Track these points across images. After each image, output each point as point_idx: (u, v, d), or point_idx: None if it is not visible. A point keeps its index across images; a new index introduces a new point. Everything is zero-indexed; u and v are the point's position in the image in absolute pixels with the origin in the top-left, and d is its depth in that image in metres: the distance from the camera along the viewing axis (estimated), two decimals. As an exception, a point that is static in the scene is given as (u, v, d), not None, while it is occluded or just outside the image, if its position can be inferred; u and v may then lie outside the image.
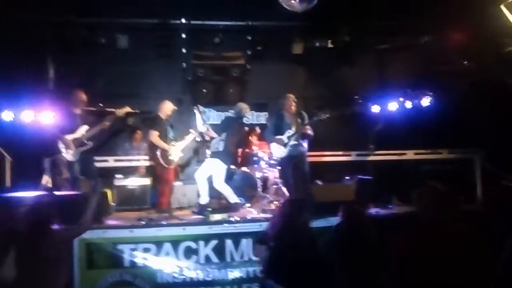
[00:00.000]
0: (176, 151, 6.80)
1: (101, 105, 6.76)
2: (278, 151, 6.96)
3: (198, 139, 7.10)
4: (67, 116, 6.60)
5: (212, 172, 6.78)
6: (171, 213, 6.57)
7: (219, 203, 7.18)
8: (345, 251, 4.12)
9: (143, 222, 5.90)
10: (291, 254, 3.92)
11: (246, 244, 5.68)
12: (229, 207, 6.67)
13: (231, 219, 6.00)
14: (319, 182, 7.38)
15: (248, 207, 7.03)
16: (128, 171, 7.95)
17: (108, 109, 6.72)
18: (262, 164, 7.52)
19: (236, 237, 5.69)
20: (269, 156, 7.43)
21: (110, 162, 7.90)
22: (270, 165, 7.47)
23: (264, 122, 9.01)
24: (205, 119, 7.10)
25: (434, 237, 3.05)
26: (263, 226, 5.73)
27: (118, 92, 8.14)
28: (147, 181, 7.64)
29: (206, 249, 5.60)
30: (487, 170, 7.25)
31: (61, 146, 6.48)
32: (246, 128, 7.92)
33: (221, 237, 5.67)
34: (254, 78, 8.74)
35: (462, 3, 7.06)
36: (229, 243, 5.66)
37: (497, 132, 7.49)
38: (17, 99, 7.12)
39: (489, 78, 7.46)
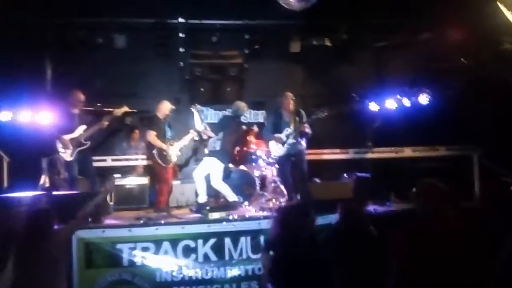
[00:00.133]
0: (174, 150, 6.81)
1: (99, 104, 6.76)
2: (277, 149, 6.97)
3: (196, 138, 7.11)
4: (65, 116, 6.60)
5: (209, 171, 6.79)
6: (170, 212, 6.57)
7: (217, 201, 7.18)
8: (344, 249, 4.12)
9: (142, 221, 5.89)
10: (291, 259, 3.92)
11: (245, 242, 5.68)
12: (227, 206, 6.67)
13: (230, 217, 6.00)
14: (317, 180, 7.38)
15: (247, 205, 7.02)
16: (126, 171, 7.94)
17: (106, 109, 6.73)
18: (260, 162, 7.52)
19: (235, 236, 5.68)
20: (267, 154, 7.43)
21: (108, 161, 7.90)
22: (268, 164, 7.47)
23: (262, 121, 9.03)
24: (203, 118, 7.11)
25: (433, 234, 3.04)
26: (262, 224, 5.77)
27: (116, 92, 8.13)
28: (145, 180, 7.63)
29: (204, 248, 5.59)
30: (485, 167, 7.26)
31: (59, 146, 6.48)
32: (244, 127, 7.92)
33: (220, 235, 5.66)
34: (252, 76, 8.74)
35: (460, 0, 7.07)
36: (227, 241, 5.65)
37: (496, 129, 7.49)
38: (15, 99, 7.10)
39: (487, 75, 7.45)
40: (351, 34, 8.32)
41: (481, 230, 3.16)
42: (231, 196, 6.78)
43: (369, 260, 3.91)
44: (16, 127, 7.22)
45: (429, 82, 8.11)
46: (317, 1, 5.87)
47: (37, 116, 7.16)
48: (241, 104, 7.09)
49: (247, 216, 6.20)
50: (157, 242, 5.50)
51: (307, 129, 6.78)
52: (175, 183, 7.49)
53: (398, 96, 8.40)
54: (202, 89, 8.55)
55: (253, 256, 5.66)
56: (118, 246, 5.42)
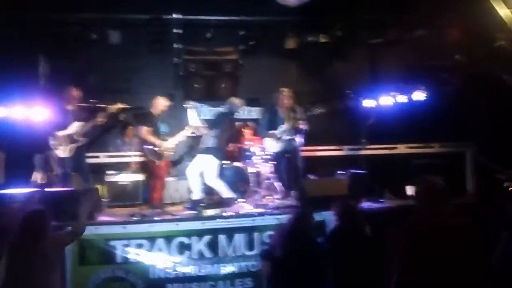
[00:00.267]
0: (167, 146, 6.76)
1: (93, 101, 6.72)
2: (272, 146, 6.97)
3: (192, 133, 7.07)
4: (60, 113, 6.56)
5: (203, 168, 6.76)
6: (163, 209, 6.55)
7: (211, 198, 7.16)
8: (341, 247, 4.14)
9: (136, 218, 5.87)
10: (294, 265, 3.94)
11: (239, 239, 5.70)
12: (222, 202, 6.65)
13: (224, 214, 6.00)
14: (312, 177, 7.38)
15: (241, 202, 7.01)
16: (120, 167, 7.91)
17: (101, 105, 6.69)
18: (255, 159, 7.51)
19: (229, 232, 5.70)
20: (262, 151, 7.42)
21: (102, 158, 7.87)
22: (263, 160, 7.46)
23: (257, 117, 9.01)
24: (197, 115, 7.08)
25: (434, 231, 3.05)
26: (257, 221, 5.78)
27: (110, 88, 8.09)
28: (139, 177, 7.59)
29: (199, 245, 5.60)
30: (480, 164, 7.29)
31: (53, 142, 6.44)
32: (238, 123, 7.91)
33: (214, 232, 5.67)
34: (247, 73, 8.71)
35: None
36: (222, 238, 5.66)
37: (490, 126, 7.52)
38: (9, 95, 7.05)
39: (481, 72, 7.47)
40: (346, 31, 8.29)
41: (478, 226, 3.17)
42: (226, 193, 6.76)
43: (365, 257, 3.93)
44: (10, 123, 7.16)
45: (424, 79, 8.14)
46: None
47: (31, 112, 7.11)
48: (236, 101, 7.06)
49: (241, 213, 6.19)
50: (151, 239, 5.50)
51: (303, 126, 6.77)
52: (169, 179, 7.46)
53: (393, 93, 8.42)
54: (196, 86, 8.51)
55: (248, 253, 5.69)
56: (112, 243, 5.42)
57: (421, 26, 8.21)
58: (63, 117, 6.55)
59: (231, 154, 7.87)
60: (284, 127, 6.86)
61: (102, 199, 6.84)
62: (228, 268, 5.63)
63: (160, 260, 5.47)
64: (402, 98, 8.39)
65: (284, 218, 5.48)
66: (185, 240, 5.58)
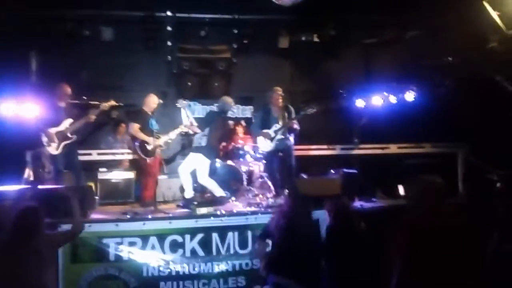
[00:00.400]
0: (158, 144, 6.73)
1: (85, 98, 6.67)
2: (265, 144, 6.98)
3: (184, 131, 7.05)
4: (51, 109, 6.50)
5: (195, 167, 6.74)
6: (155, 207, 6.51)
7: (203, 196, 7.15)
8: (336, 245, 4.17)
9: (129, 216, 5.85)
10: (295, 246, 3.97)
11: (232, 237, 5.69)
12: (214, 201, 6.64)
13: (217, 212, 5.99)
14: (304, 176, 7.39)
15: (234, 200, 7.01)
16: (112, 165, 7.87)
17: (93, 102, 6.64)
18: (248, 157, 7.51)
19: (222, 231, 5.69)
20: (255, 149, 7.43)
21: (94, 155, 7.83)
22: (256, 159, 7.47)
23: (249, 116, 9.01)
24: (190, 113, 7.07)
25: (433, 230, 3.08)
26: (249, 219, 5.78)
27: (102, 85, 8.05)
28: (131, 174, 7.56)
29: (192, 243, 5.58)
30: (472, 164, 7.35)
31: (45, 139, 6.39)
32: (231, 122, 7.90)
33: (207, 230, 5.66)
34: (240, 71, 8.72)
35: (447, -2, 7.14)
36: (215, 236, 5.66)
37: (482, 127, 7.58)
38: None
39: (474, 73, 7.54)
40: (339, 30, 8.33)
41: (474, 226, 3.20)
42: (218, 192, 6.75)
43: (360, 255, 3.96)
44: (0, 120, 7.08)
45: (416, 79, 8.18)
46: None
47: (22, 108, 7.04)
48: (228, 100, 7.05)
49: (234, 211, 6.19)
50: (144, 237, 5.48)
51: (296, 125, 6.79)
52: (162, 177, 7.44)
53: (385, 93, 8.46)
54: (189, 83, 8.49)
55: (241, 252, 5.69)
56: (105, 240, 5.39)
57: (415, 27, 8.25)
58: (55, 113, 6.49)
59: (224, 152, 7.86)
60: (277, 126, 6.87)
61: (95, 197, 6.79)
62: (221, 267, 5.62)
63: (153, 258, 5.45)
64: (394, 98, 8.44)
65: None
66: (178, 238, 5.56)
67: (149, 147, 6.67)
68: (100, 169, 7.53)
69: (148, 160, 6.69)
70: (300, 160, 7.31)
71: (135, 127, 6.66)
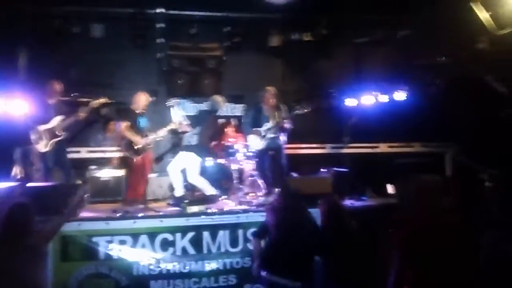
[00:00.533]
0: (146, 142, 6.68)
1: (75, 95, 6.60)
2: (256, 143, 6.97)
3: (174, 127, 7.01)
4: (41, 106, 6.43)
5: (185, 166, 6.72)
6: (142, 205, 6.45)
7: (193, 195, 7.13)
8: (328, 243, 4.18)
9: (119, 214, 5.82)
10: (290, 243, 3.97)
11: (223, 236, 5.69)
12: (205, 199, 6.63)
13: (208, 211, 5.98)
14: (295, 175, 7.41)
15: (224, 199, 7.00)
16: (101, 163, 7.81)
17: (83, 100, 6.58)
18: (238, 156, 7.50)
19: (213, 229, 5.68)
20: (245, 148, 7.42)
21: (83, 153, 7.77)
22: (247, 157, 7.46)
23: (240, 114, 9.00)
24: (180, 112, 7.04)
25: (430, 229, 3.11)
26: (240, 218, 5.78)
27: (92, 82, 7.95)
28: (120, 172, 7.51)
29: (183, 241, 5.57)
30: (462, 164, 7.42)
31: (34, 136, 6.32)
32: (221, 120, 7.88)
33: (198, 229, 5.65)
34: (231, 69, 8.70)
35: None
36: (206, 235, 5.65)
37: (472, 126, 7.64)
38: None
39: (464, 73, 7.60)
40: (331, 29, 8.35)
41: (466, 225, 3.23)
42: (209, 190, 6.73)
43: (353, 254, 3.98)
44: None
45: (407, 79, 8.24)
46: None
47: (10, 105, 6.95)
48: (218, 99, 7.04)
49: (225, 210, 6.19)
50: (135, 235, 5.46)
51: (287, 125, 6.80)
52: (152, 176, 7.40)
53: (376, 92, 8.51)
54: (179, 81, 8.45)
55: (232, 250, 5.69)
56: (95, 239, 5.36)
57: (406, 27, 8.30)
58: (44, 111, 6.42)
59: (215, 151, 7.85)
60: (268, 125, 6.87)
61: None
62: (212, 265, 5.61)
63: (144, 257, 5.43)
64: (385, 98, 8.49)
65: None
66: (169, 236, 5.54)
67: (136, 146, 6.62)
68: (90, 167, 7.47)
69: (136, 158, 6.64)
70: (290, 159, 7.31)
71: (122, 126, 6.62)
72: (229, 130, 8.19)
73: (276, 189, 6.84)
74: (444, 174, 7.67)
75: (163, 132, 6.80)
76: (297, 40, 8.57)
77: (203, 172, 7.01)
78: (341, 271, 4.02)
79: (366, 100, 8.64)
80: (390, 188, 7.10)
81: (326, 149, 8.58)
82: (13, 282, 3.46)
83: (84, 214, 5.89)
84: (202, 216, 5.78)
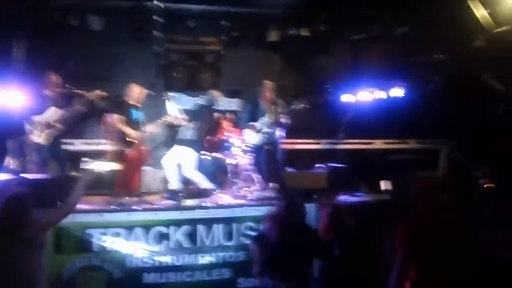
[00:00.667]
0: (139, 134, 6.67)
1: (72, 87, 6.58)
2: (252, 137, 6.97)
3: (168, 121, 6.99)
4: (37, 98, 6.41)
5: (180, 160, 6.71)
6: (134, 198, 6.44)
7: (188, 188, 7.12)
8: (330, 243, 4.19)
9: (114, 207, 5.81)
10: (290, 250, 3.97)
11: (218, 229, 5.69)
12: (200, 193, 6.64)
13: (203, 204, 5.97)
14: (290, 170, 7.41)
15: (219, 193, 7.00)
16: (96, 155, 7.78)
17: (80, 92, 6.56)
18: (234, 150, 7.49)
19: (208, 223, 5.68)
20: (241, 142, 7.42)
21: (78, 145, 7.76)
22: (242, 151, 7.46)
23: (236, 109, 8.99)
24: (176, 105, 7.04)
25: (432, 225, 3.11)
26: (235, 212, 5.79)
27: (89, 75, 7.95)
28: (115, 165, 7.47)
29: (177, 234, 5.58)
30: (457, 161, 7.42)
31: (30, 128, 6.30)
32: (218, 115, 7.87)
33: (193, 222, 5.65)
34: (228, 64, 8.70)
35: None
36: (200, 228, 5.65)
37: (469, 124, 7.64)
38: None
39: (461, 71, 7.61)
40: (329, 25, 8.34)
41: (463, 223, 3.24)
42: (204, 184, 6.74)
43: (353, 251, 3.99)
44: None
45: (404, 76, 8.24)
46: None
47: (6, 96, 6.93)
48: (215, 93, 7.04)
49: (220, 204, 6.18)
50: (129, 228, 5.46)
51: (284, 120, 6.79)
52: (147, 169, 7.38)
53: (372, 89, 8.51)
54: (177, 75, 8.44)
55: (226, 244, 5.69)
56: (89, 231, 5.36)
57: (404, 23, 8.29)
58: (40, 102, 6.40)
59: (210, 145, 7.84)
60: (264, 119, 6.87)
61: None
62: (205, 259, 5.62)
63: (138, 249, 5.43)
64: (381, 94, 8.49)
65: (266, 209, 5.53)
66: (163, 229, 5.55)
67: (129, 138, 6.61)
68: (84, 160, 7.45)
69: (128, 151, 6.63)
70: (286, 154, 7.32)
71: (115, 118, 6.61)
72: (225, 124, 8.17)
73: (271, 184, 6.90)
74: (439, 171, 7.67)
75: (157, 126, 6.79)
76: (295, 35, 8.55)
77: (199, 166, 7.00)
78: (340, 269, 4.03)
79: (362, 96, 8.64)
80: (383, 185, 7.10)
81: (321, 144, 8.57)
82: (9, 274, 3.46)
83: (78, 206, 5.86)
84: (197, 210, 5.79)
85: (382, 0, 7.62)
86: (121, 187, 6.64)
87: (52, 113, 6.39)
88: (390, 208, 5.70)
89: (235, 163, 7.42)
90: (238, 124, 7.82)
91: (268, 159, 6.95)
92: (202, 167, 7.13)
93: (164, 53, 8.41)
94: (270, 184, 6.87)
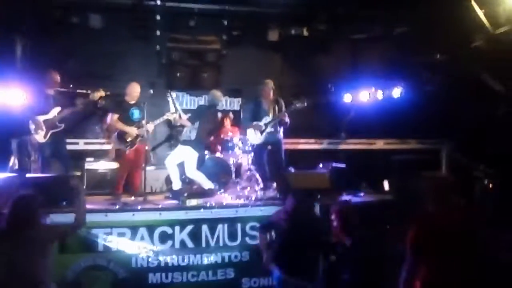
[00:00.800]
0: (139, 133, 6.66)
1: (74, 86, 6.56)
2: (255, 137, 6.99)
3: (170, 118, 6.99)
4: (40, 97, 6.38)
5: (183, 160, 6.72)
6: (138, 198, 6.47)
7: (192, 188, 7.12)
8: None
9: (118, 207, 5.82)
10: (300, 242, 3.99)
11: (222, 229, 5.71)
12: (203, 193, 6.65)
13: (207, 204, 5.99)
14: (293, 169, 7.43)
15: (222, 192, 7.02)
16: (98, 154, 7.78)
17: (82, 91, 6.54)
18: (236, 150, 7.52)
19: (212, 223, 5.70)
20: (243, 142, 7.45)
21: (81, 144, 7.74)
22: (244, 151, 7.49)
23: (237, 108, 9.01)
24: (178, 105, 7.04)
25: (442, 225, 3.14)
26: (239, 212, 5.80)
27: (90, 73, 7.90)
28: (116, 165, 7.48)
29: (181, 234, 5.59)
30: (457, 161, 7.49)
31: (32, 127, 6.28)
32: (219, 114, 7.87)
33: (197, 222, 5.67)
34: (230, 63, 8.67)
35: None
36: (205, 228, 5.66)
37: (469, 124, 7.70)
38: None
39: (461, 71, 7.64)
40: (329, 25, 8.35)
41: (471, 221, 3.28)
42: (207, 184, 6.74)
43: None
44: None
45: (404, 76, 8.27)
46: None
47: (7, 95, 6.89)
48: (217, 94, 7.03)
49: (224, 203, 6.20)
50: (134, 228, 5.46)
51: (287, 118, 6.81)
52: (150, 169, 7.37)
53: (373, 89, 8.55)
54: (179, 74, 8.42)
55: (230, 244, 5.71)
56: (93, 231, 5.35)
57: (403, 23, 8.32)
58: (43, 101, 6.38)
59: (212, 145, 7.85)
60: (267, 118, 6.89)
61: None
62: (210, 258, 5.64)
63: (143, 249, 5.44)
64: (381, 94, 8.53)
65: (270, 209, 5.57)
66: (167, 229, 5.56)
67: (128, 138, 6.61)
68: (87, 159, 7.45)
69: (127, 150, 6.63)
70: (287, 154, 7.34)
71: (114, 118, 6.60)
72: (227, 124, 8.19)
73: (274, 184, 6.92)
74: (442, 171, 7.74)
75: (156, 123, 6.79)
76: (295, 35, 8.56)
77: (201, 166, 7.01)
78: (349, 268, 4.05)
79: (362, 96, 8.68)
80: (386, 185, 7.15)
81: (323, 144, 8.60)
82: (16, 275, 3.46)
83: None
84: (201, 210, 5.80)
85: (382, 0, 7.63)
86: (122, 187, 6.65)
87: (55, 113, 6.37)
88: (394, 209, 5.76)
89: (237, 163, 7.46)
90: (240, 123, 7.83)
91: (270, 159, 6.97)
92: (205, 167, 7.14)
93: (165, 52, 8.38)
94: (274, 184, 6.89)
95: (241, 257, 5.71)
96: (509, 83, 7.22)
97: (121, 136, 6.60)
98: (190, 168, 6.71)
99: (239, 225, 5.75)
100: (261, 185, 7.00)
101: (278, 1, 7.93)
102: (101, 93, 6.55)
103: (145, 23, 7.99)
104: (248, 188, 7.12)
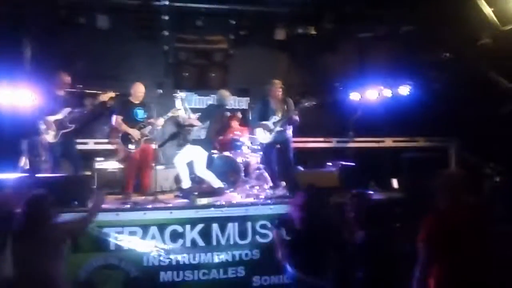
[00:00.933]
0: (143, 133, 6.69)
1: (84, 87, 6.61)
2: (263, 136, 7.00)
3: (175, 115, 7.00)
4: (50, 97, 6.43)
5: (193, 159, 6.75)
6: (155, 197, 6.48)
7: (201, 187, 7.15)
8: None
9: (129, 206, 5.84)
10: (314, 241, 3.99)
11: (232, 228, 5.71)
12: (213, 192, 6.68)
13: (218, 203, 6.01)
14: (301, 168, 7.46)
15: (231, 191, 7.04)
16: (107, 154, 7.82)
17: (92, 91, 6.58)
18: (244, 149, 7.54)
19: (223, 221, 5.71)
20: (252, 141, 7.47)
21: (90, 144, 7.78)
22: (253, 150, 7.51)
23: (245, 107, 9.02)
24: (186, 105, 7.07)
25: (455, 222, 3.16)
26: (249, 210, 5.82)
27: (97, 74, 7.94)
28: (124, 165, 7.51)
29: (192, 233, 5.60)
30: (466, 159, 7.48)
31: (43, 127, 6.32)
32: (228, 113, 7.90)
33: (208, 221, 5.67)
34: (237, 63, 8.68)
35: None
36: (215, 227, 5.67)
37: (476, 122, 7.69)
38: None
39: (468, 69, 7.64)
40: (336, 24, 8.35)
41: (484, 219, 3.29)
42: (216, 183, 6.77)
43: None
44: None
45: (411, 74, 8.27)
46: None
47: (17, 96, 6.93)
48: (225, 93, 7.06)
49: (234, 202, 6.22)
50: (145, 227, 5.48)
51: (297, 117, 6.83)
52: (158, 168, 7.40)
53: (380, 87, 8.55)
54: (186, 74, 8.44)
55: (240, 242, 5.72)
56: (105, 230, 5.37)
57: (409, 22, 8.32)
58: (53, 102, 6.44)
59: (221, 144, 7.87)
60: (276, 118, 6.90)
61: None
62: (221, 257, 5.64)
63: (154, 248, 5.46)
64: (389, 92, 8.53)
65: (280, 207, 5.58)
66: (178, 228, 5.57)
67: (132, 138, 6.64)
68: (97, 159, 7.49)
69: (132, 150, 6.65)
70: (296, 153, 7.36)
71: (117, 119, 6.64)
72: (235, 123, 8.21)
73: (283, 182, 6.94)
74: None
75: (160, 122, 6.81)
76: (302, 34, 8.55)
77: (210, 165, 7.04)
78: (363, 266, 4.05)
79: (370, 94, 8.69)
80: (395, 183, 7.15)
81: (331, 143, 8.61)
82: (29, 275, 3.48)
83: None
84: (212, 209, 5.81)
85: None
86: (133, 186, 6.69)
87: (65, 113, 6.41)
88: (404, 206, 5.76)
89: (246, 162, 7.48)
90: (247, 122, 7.84)
91: (279, 158, 6.98)
92: (214, 166, 7.16)
93: (172, 52, 8.40)
94: (283, 182, 6.91)
95: (252, 255, 5.71)
96: (516, 81, 7.22)
97: (126, 137, 6.63)
98: (200, 167, 6.75)
99: (249, 224, 5.76)
100: (270, 184, 7.03)
101: (285, 1, 7.94)
102: (111, 94, 6.60)
103: (152, 23, 8.01)
104: (257, 187, 7.14)
